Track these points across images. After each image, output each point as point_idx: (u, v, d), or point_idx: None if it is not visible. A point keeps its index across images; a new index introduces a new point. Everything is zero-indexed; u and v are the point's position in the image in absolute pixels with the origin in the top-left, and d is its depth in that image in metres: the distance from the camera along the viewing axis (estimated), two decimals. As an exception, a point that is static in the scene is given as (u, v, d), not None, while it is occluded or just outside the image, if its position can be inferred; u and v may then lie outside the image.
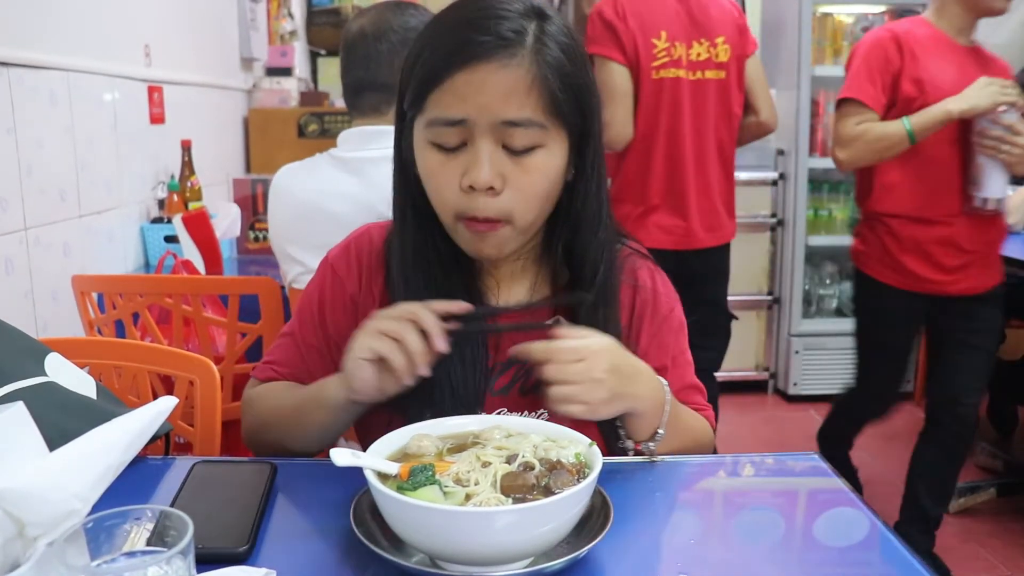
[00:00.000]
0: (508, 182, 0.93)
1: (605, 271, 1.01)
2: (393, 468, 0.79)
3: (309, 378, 1.06)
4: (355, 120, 1.72)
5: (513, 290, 1.06)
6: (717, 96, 2.44)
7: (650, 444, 0.97)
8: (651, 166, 2.45)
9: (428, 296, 0.98)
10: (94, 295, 1.84)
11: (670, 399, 0.97)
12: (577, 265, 1.02)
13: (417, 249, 1.01)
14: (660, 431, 0.97)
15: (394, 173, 1.04)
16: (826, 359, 3.83)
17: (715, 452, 1.09)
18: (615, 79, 2.36)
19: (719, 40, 2.40)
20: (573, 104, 0.94)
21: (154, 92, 2.66)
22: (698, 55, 2.39)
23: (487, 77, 0.90)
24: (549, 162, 0.95)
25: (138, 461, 0.95)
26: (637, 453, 0.99)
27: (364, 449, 0.82)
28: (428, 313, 0.90)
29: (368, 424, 1.05)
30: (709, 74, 2.41)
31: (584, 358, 0.89)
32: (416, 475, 0.77)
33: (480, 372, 1.01)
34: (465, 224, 0.96)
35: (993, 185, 2.16)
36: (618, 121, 2.37)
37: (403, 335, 0.89)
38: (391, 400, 0.94)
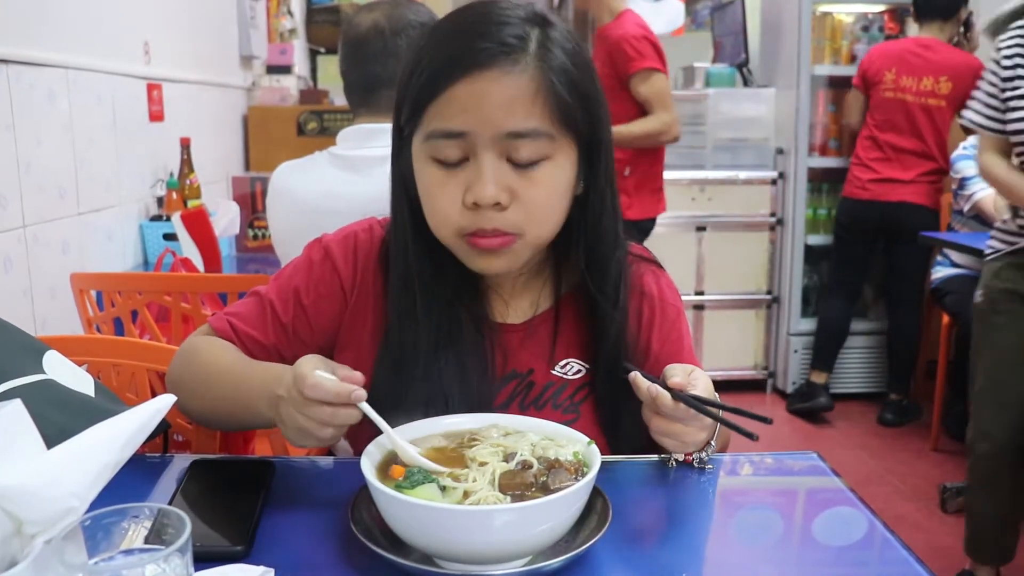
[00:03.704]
0: (515, 196, 0.89)
1: (625, 292, 0.99)
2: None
3: (262, 349, 1.02)
4: (363, 118, 1.67)
5: (519, 306, 1.04)
6: None
7: (701, 455, 0.97)
8: (662, 157, 3.18)
9: (431, 322, 0.96)
10: (93, 293, 1.84)
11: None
12: (597, 284, 0.99)
13: (421, 274, 0.97)
14: (712, 443, 0.96)
15: (392, 195, 1.00)
16: (825, 358, 3.83)
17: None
18: (669, 87, 3.04)
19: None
20: (582, 112, 0.90)
21: (153, 90, 2.66)
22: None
23: (489, 86, 0.86)
24: (557, 175, 0.91)
25: (136, 459, 0.94)
26: (686, 462, 0.98)
27: (358, 454, 0.82)
28: (335, 385, 0.81)
29: (359, 429, 1.03)
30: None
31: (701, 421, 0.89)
32: (413, 475, 0.77)
33: (480, 387, 0.98)
34: (469, 241, 0.91)
35: None
36: (677, 120, 3.02)
37: (332, 421, 0.82)
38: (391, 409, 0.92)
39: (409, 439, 0.86)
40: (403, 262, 0.99)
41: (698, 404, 0.85)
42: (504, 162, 0.89)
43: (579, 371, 1.03)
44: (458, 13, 0.94)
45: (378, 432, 0.85)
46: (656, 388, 0.87)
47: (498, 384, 1.01)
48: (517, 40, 0.87)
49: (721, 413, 0.88)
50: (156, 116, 2.68)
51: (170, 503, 0.86)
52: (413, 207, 0.96)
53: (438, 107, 0.88)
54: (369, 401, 0.97)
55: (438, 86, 0.87)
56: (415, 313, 0.97)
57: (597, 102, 0.93)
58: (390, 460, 0.83)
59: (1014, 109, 2.10)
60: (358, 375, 0.84)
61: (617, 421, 1.00)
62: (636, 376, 0.89)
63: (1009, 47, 2.12)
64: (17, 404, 0.65)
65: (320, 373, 0.81)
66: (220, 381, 0.98)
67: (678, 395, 0.86)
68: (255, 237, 2.78)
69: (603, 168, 0.95)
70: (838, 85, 3.81)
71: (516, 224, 0.91)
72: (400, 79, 0.94)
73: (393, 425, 0.86)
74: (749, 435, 0.85)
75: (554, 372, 1.03)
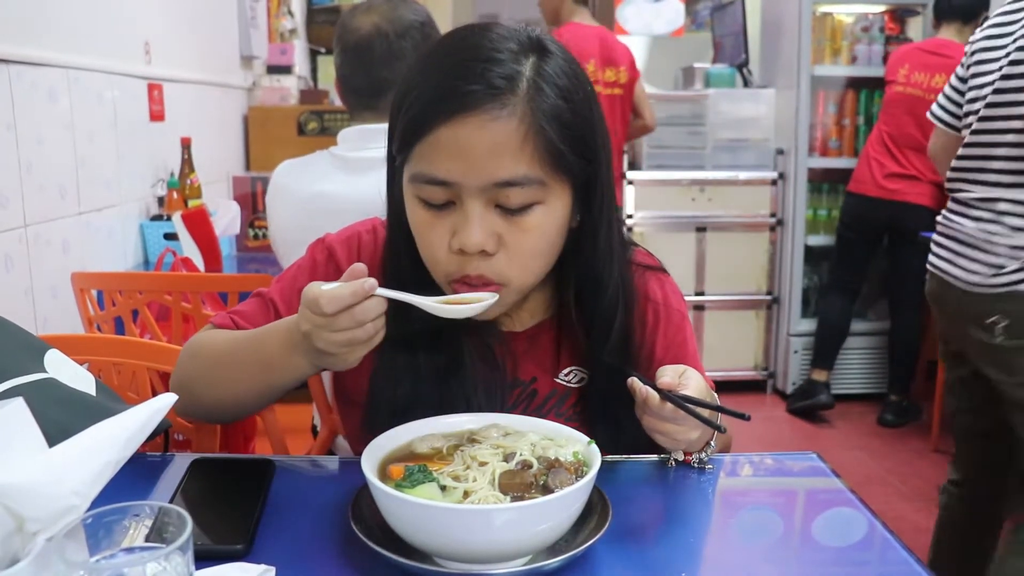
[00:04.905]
0: (502, 243, 0.87)
1: (623, 313, 0.98)
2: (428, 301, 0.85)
3: None
4: (366, 120, 1.67)
5: (521, 315, 1.03)
6: (619, 107, 3.40)
7: (701, 455, 0.97)
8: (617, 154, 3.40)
9: (431, 335, 0.95)
10: (93, 292, 1.84)
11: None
12: (588, 311, 0.98)
13: (415, 288, 0.93)
14: (712, 443, 0.96)
15: (388, 220, 0.98)
16: (825, 359, 3.83)
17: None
18: None
19: (622, 69, 3.38)
20: (575, 152, 0.87)
21: (154, 89, 2.66)
22: (609, 78, 3.35)
23: (475, 133, 0.82)
24: (548, 219, 0.88)
25: (137, 458, 0.94)
26: (686, 463, 0.98)
27: (357, 453, 0.82)
28: (347, 287, 0.80)
29: (359, 429, 1.03)
30: (616, 91, 3.37)
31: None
32: (413, 474, 0.77)
33: (491, 395, 0.97)
34: (455, 288, 0.90)
35: None
36: None
37: (365, 318, 0.81)
38: (391, 416, 0.91)
39: (409, 439, 0.86)
40: (397, 278, 0.96)
41: (682, 404, 0.86)
42: (492, 209, 0.86)
43: (582, 379, 1.03)
44: (451, 41, 0.90)
45: (378, 432, 0.85)
46: (647, 390, 0.87)
47: (503, 393, 1.00)
48: (505, 81, 0.83)
49: (705, 412, 0.88)
50: (157, 116, 2.68)
51: (171, 501, 0.86)
52: (406, 232, 0.94)
53: (423, 148, 0.85)
54: (368, 409, 0.97)
55: (423, 127, 0.84)
56: (409, 324, 0.94)
57: (593, 141, 0.89)
58: (390, 460, 0.83)
59: None
60: (360, 266, 0.82)
61: (618, 429, 0.99)
62: (633, 381, 0.89)
63: None
64: (19, 402, 0.65)
65: (327, 287, 0.81)
66: (235, 359, 0.96)
67: (665, 395, 0.86)
68: (255, 237, 2.78)
69: (598, 203, 0.93)
70: (838, 86, 3.81)
71: (502, 273, 0.88)
72: (392, 103, 0.91)
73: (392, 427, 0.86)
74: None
75: (557, 380, 1.03)
